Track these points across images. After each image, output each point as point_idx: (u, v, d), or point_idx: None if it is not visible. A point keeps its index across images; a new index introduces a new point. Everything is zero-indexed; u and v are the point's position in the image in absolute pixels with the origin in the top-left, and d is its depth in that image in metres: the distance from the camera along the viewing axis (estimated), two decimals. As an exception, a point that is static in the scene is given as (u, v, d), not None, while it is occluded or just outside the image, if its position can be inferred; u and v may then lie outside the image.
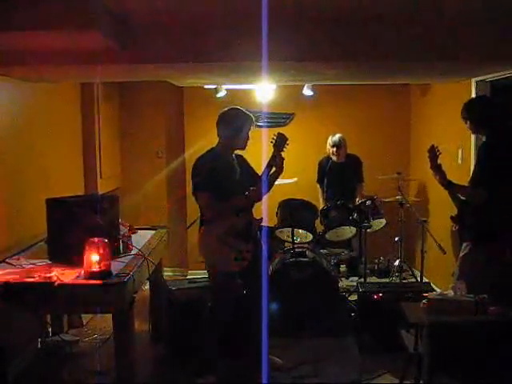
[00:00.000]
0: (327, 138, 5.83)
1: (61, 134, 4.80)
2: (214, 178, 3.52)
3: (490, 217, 3.56)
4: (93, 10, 2.71)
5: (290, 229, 4.83)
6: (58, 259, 3.31)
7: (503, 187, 3.56)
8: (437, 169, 3.72)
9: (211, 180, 3.51)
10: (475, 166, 3.81)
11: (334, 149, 5.70)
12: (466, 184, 3.75)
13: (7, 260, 3.39)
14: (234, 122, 3.68)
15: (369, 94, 6.16)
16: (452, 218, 3.81)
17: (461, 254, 3.77)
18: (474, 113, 3.73)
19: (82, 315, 4.62)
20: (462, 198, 3.74)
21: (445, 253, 4.79)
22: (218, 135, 3.73)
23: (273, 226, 5.01)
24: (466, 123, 3.81)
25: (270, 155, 3.67)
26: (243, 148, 3.77)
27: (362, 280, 5.05)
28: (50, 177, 4.43)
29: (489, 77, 4.42)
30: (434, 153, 3.77)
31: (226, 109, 3.77)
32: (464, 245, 3.75)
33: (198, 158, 3.70)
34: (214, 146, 3.76)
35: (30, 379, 3.75)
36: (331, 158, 5.81)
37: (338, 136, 5.74)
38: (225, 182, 3.58)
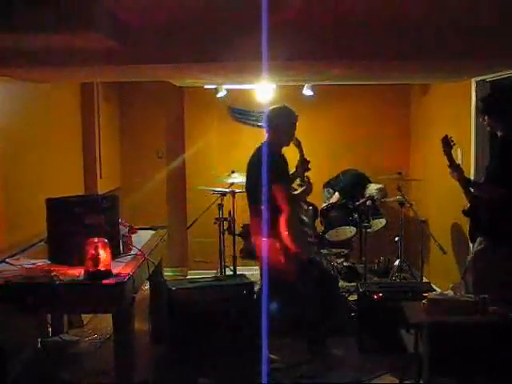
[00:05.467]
0: (327, 138, 5.80)
1: (61, 134, 4.80)
2: (285, 170, 3.92)
3: (508, 213, 3.48)
4: (93, 11, 2.71)
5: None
6: (58, 259, 3.31)
7: None
8: (454, 166, 3.68)
9: (285, 172, 3.91)
10: (492, 161, 3.69)
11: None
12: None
13: (7, 260, 3.39)
14: (283, 119, 3.98)
15: (369, 94, 6.16)
16: (464, 211, 3.75)
17: (475, 249, 3.65)
18: (496, 108, 3.64)
19: (82, 315, 4.62)
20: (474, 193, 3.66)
21: (445, 253, 4.79)
22: (271, 132, 3.97)
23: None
24: (483, 119, 3.69)
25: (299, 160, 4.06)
26: (288, 145, 4.04)
27: (362, 280, 5.04)
28: (49, 177, 4.43)
29: (489, 77, 4.42)
30: (448, 143, 3.71)
31: (275, 106, 4.03)
32: (478, 240, 3.62)
33: (263, 153, 3.84)
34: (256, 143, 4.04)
35: (30, 379, 3.74)
36: None
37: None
38: (288, 176, 4.02)
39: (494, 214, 3.54)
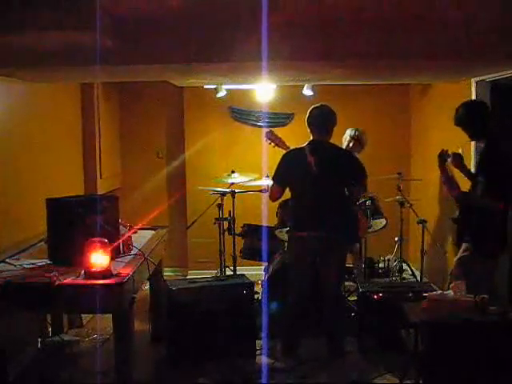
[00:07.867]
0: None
1: (61, 134, 4.80)
2: None
3: (500, 221, 3.49)
4: (92, 11, 2.72)
5: (289, 229, 4.81)
6: (58, 259, 3.31)
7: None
8: (449, 182, 3.64)
9: None
10: (481, 173, 3.61)
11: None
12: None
13: (7, 260, 3.39)
14: None
15: (369, 94, 6.16)
16: (453, 219, 3.74)
17: (460, 255, 3.72)
18: (474, 119, 3.63)
19: (82, 315, 4.62)
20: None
21: (445, 253, 4.78)
22: None
23: (273, 226, 5.01)
24: (462, 129, 3.70)
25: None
26: None
27: (362, 280, 5.04)
28: (49, 177, 4.43)
29: (489, 77, 4.42)
30: (444, 158, 3.67)
31: None
32: (464, 246, 3.69)
33: None
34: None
35: (30, 379, 3.75)
36: None
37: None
38: None
39: (484, 224, 3.52)
